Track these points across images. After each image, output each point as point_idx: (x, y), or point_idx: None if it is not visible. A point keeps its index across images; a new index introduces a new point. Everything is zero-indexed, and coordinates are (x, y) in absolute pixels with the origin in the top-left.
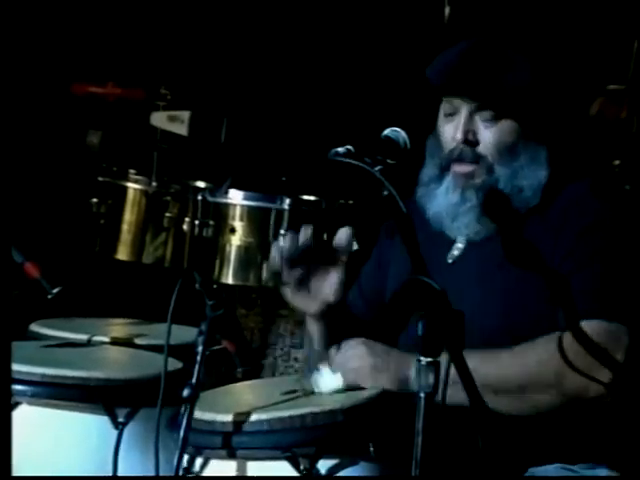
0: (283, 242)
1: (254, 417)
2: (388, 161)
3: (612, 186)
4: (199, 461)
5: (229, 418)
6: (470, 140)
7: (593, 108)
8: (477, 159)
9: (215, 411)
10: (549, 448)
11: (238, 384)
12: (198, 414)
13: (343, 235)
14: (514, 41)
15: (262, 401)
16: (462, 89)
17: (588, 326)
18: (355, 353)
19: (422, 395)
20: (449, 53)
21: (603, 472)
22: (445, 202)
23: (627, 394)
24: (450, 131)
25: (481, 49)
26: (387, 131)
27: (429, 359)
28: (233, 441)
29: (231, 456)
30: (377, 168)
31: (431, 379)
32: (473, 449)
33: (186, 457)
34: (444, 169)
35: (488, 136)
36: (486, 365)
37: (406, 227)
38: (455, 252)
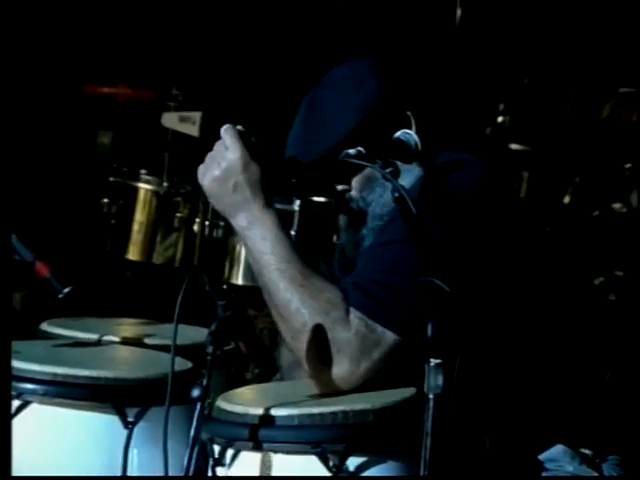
0: None
1: (286, 412)
2: (399, 163)
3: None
4: (230, 453)
5: (261, 411)
6: None
7: (604, 111)
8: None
9: (247, 404)
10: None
11: (269, 383)
12: (230, 407)
13: None
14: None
15: (294, 398)
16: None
17: (354, 315)
18: (223, 157)
19: (431, 396)
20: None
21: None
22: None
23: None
24: None
25: (312, 101)
26: (398, 133)
27: (438, 360)
28: (264, 434)
29: (261, 448)
30: (388, 170)
31: (440, 380)
32: (481, 449)
33: (217, 449)
34: None
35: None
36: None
37: (417, 228)
38: None
